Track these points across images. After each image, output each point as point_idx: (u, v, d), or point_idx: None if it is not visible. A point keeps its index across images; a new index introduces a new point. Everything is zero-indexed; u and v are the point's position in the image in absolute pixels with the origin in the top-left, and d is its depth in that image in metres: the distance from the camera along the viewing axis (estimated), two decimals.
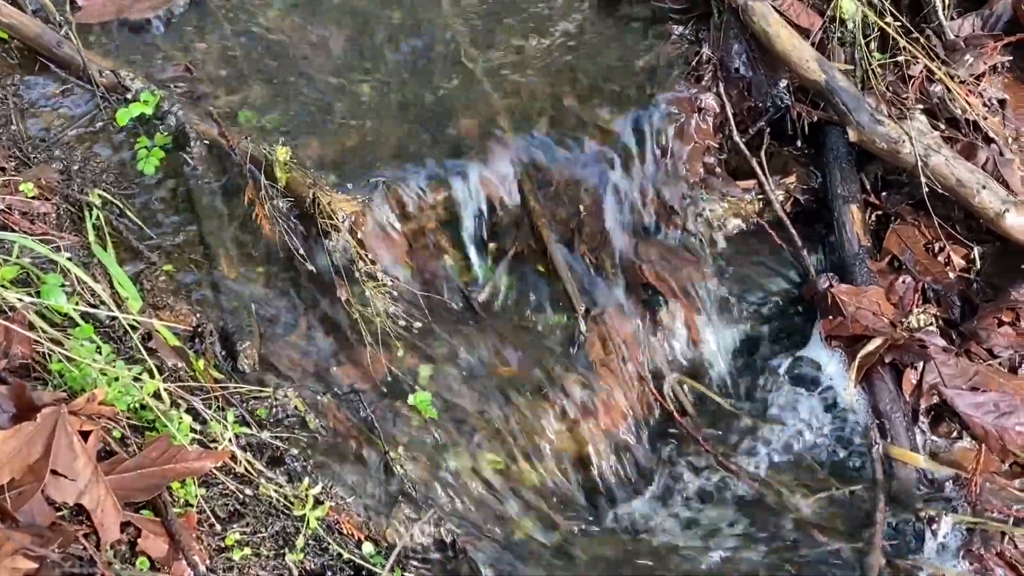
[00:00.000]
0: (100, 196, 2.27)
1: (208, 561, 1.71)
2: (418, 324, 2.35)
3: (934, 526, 2.16)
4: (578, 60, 2.72)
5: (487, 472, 2.22)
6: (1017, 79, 2.77)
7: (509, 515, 2.20)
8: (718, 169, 2.73)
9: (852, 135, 2.56)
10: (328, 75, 2.68)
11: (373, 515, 2.03)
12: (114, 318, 1.95)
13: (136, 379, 1.76)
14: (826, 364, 2.46)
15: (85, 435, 1.61)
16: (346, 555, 1.88)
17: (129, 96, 2.52)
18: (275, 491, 1.86)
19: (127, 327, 1.94)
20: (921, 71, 2.66)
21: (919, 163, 2.49)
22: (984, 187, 2.46)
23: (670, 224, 2.63)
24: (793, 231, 2.65)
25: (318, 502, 1.90)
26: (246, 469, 1.87)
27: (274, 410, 2.07)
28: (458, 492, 2.17)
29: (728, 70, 2.71)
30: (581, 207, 2.55)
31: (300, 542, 1.84)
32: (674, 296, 2.53)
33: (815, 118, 2.71)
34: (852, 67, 2.67)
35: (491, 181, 2.48)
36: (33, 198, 2.20)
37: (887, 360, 2.37)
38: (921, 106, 2.65)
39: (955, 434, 2.36)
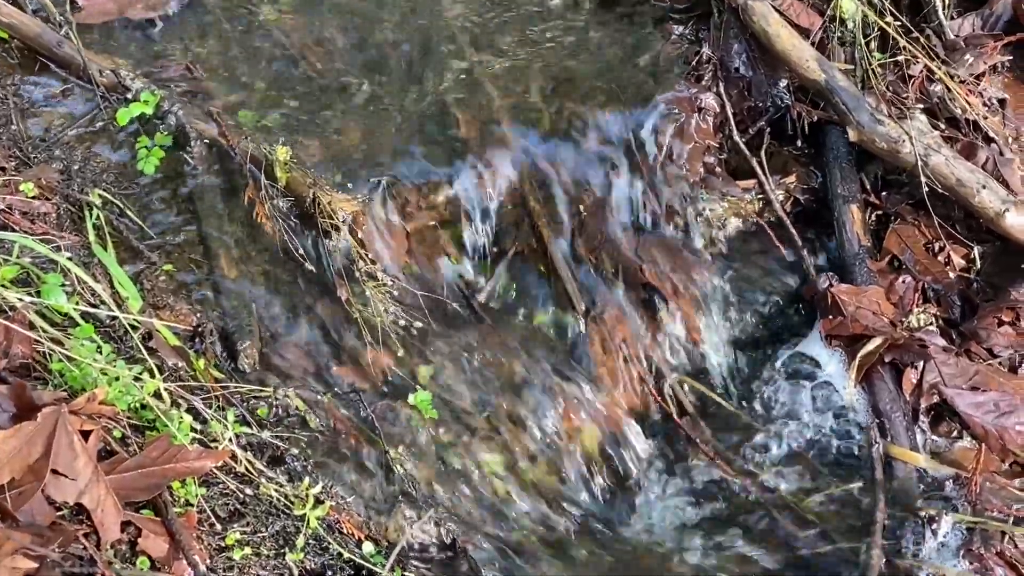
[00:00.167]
0: (100, 196, 2.27)
1: (208, 560, 1.71)
2: (418, 324, 2.35)
3: (934, 525, 2.16)
4: (578, 60, 2.73)
5: (487, 472, 2.22)
6: (1017, 79, 2.77)
7: (509, 515, 2.20)
8: (718, 169, 2.73)
9: (852, 135, 2.56)
10: (328, 74, 2.68)
11: (373, 514, 2.03)
12: (114, 318, 1.95)
13: (136, 379, 1.77)
14: (826, 363, 2.46)
15: (85, 435, 1.61)
16: (346, 554, 1.88)
17: (129, 96, 2.52)
18: (275, 490, 1.86)
19: (127, 327, 1.94)
20: (921, 71, 2.66)
21: (919, 163, 2.49)
22: (984, 187, 2.46)
23: (670, 224, 2.63)
24: (793, 231, 2.65)
25: (318, 501, 1.90)
26: (246, 469, 1.87)
27: (274, 410, 2.07)
28: (458, 492, 2.17)
29: (728, 70, 2.71)
30: (581, 207, 2.56)
31: (300, 541, 1.84)
32: (674, 296, 2.53)
33: (815, 118, 2.71)
34: (852, 67, 2.67)
35: (491, 181, 2.48)
36: (33, 198, 2.20)
37: (887, 359, 2.37)
38: (921, 106, 2.65)
39: (955, 433, 2.36)
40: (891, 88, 2.66)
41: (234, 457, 1.85)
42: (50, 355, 1.76)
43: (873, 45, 2.67)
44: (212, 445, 1.81)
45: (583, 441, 2.35)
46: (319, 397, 2.15)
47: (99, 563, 1.53)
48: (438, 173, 2.45)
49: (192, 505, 1.76)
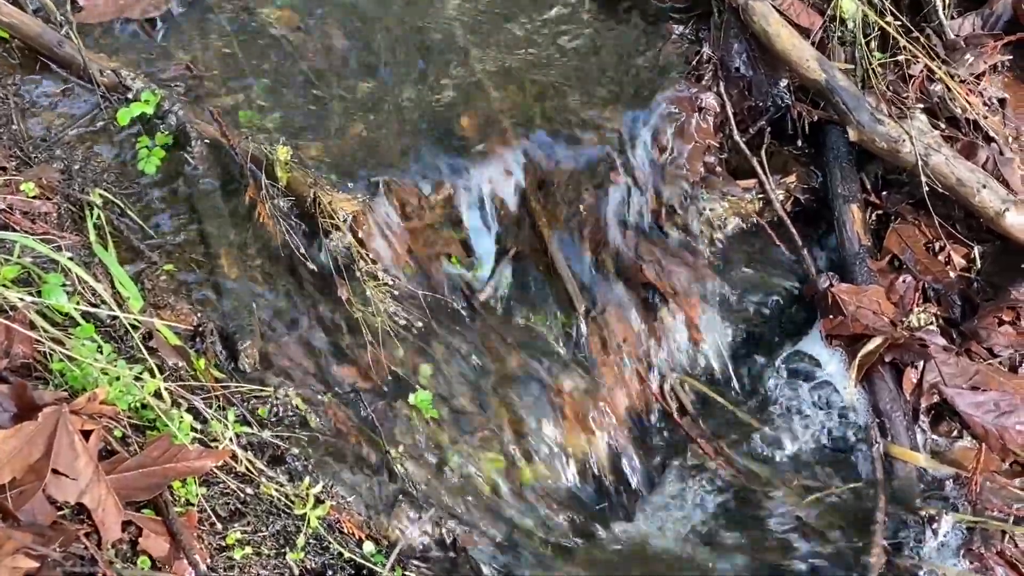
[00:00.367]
0: (101, 196, 2.27)
1: (209, 560, 1.71)
2: (419, 323, 2.35)
3: (934, 525, 2.16)
4: (579, 59, 2.73)
5: (487, 471, 2.22)
6: (1017, 78, 2.77)
7: (509, 514, 2.20)
8: (718, 168, 2.73)
9: (852, 134, 2.56)
10: (329, 74, 2.68)
11: (374, 514, 2.03)
12: (115, 317, 1.95)
13: (137, 378, 1.77)
14: (826, 363, 2.46)
15: (86, 434, 1.62)
16: (347, 554, 1.88)
17: (130, 96, 2.52)
18: (276, 490, 1.87)
19: (128, 326, 1.94)
20: (921, 70, 2.66)
21: (919, 162, 2.50)
22: (984, 186, 2.46)
23: (671, 223, 2.63)
24: (793, 230, 2.65)
25: (319, 501, 1.90)
26: (247, 468, 1.87)
27: (275, 409, 2.07)
28: (459, 491, 2.17)
29: (728, 69, 2.72)
30: (581, 207, 2.56)
31: (301, 541, 1.84)
32: (674, 296, 2.53)
33: (815, 117, 2.71)
34: (852, 66, 2.67)
35: (491, 180, 2.48)
36: (34, 197, 2.20)
37: (887, 359, 2.38)
38: (921, 105, 2.65)
39: (955, 433, 2.36)
40: (891, 88, 2.66)
41: (234, 457, 1.85)
42: (51, 355, 1.76)
43: (873, 45, 2.67)
44: (213, 445, 1.82)
45: (583, 441, 2.35)
46: (319, 397, 2.16)
47: (100, 562, 1.54)
48: (438, 173, 2.45)
49: (193, 505, 1.76)
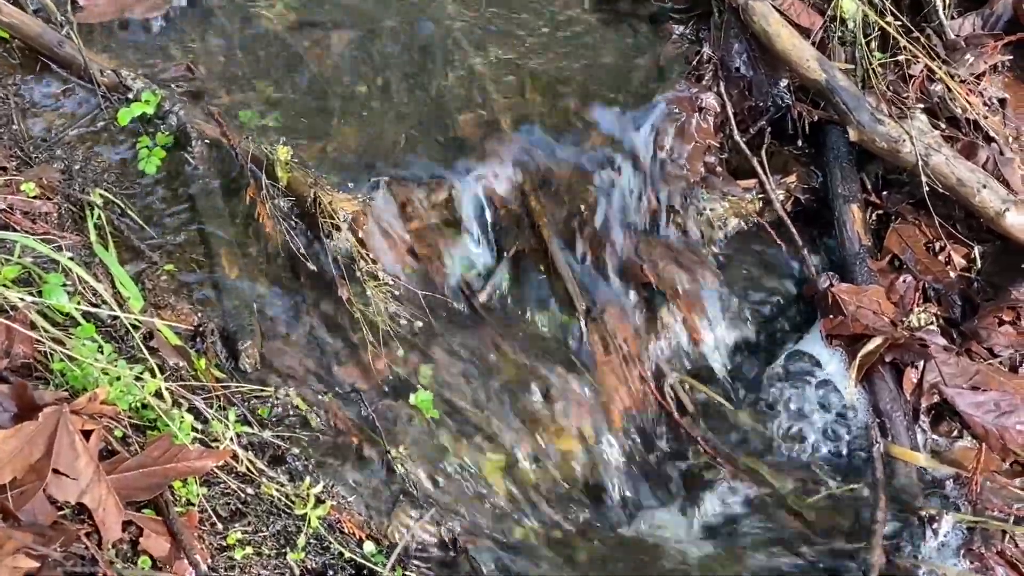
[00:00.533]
0: (101, 196, 2.28)
1: (210, 560, 1.71)
2: (419, 323, 2.35)
3: (935, 525, 2.16)
4: (579, 59, 2.73)
5: (488, 471, 2.22)
6: (1017, 78, 2.77)
7: (510, 514, 2.21)
8: (719, 168, 2.73)
9: (853, 134, 2.57)
10: (329, 74, 2.68)
11: (374, 514, 2.03)
12: (116, 317, 1.95)
13: (138, 378, 1.77)
14: (827, 363, 2.46)
15: (87, 434, 1.62)
16: (347, 554, 1.88)
17: (130, 96, 2.52)
18: (276, 490, 1.87)
19: (129, 326, 1.94)
20: (921, 70, 2.66)
21: (920, 162, 2.50)
22: (984, 186, 2.46)
23: (671, 223, 2.63)
24: (793, 230, 2.65)
25: (319, 501, 1.90)
26: (248, 468, 1.87)
27: (275, 409, 2.07)
28: (459, 491, 2.17)
29: (729, 69, 2.72)
30: (582, 206, 2.56)
31: (301, 541, 1.84)
32: (675, 295, 2.53)
33: (816, 117, 2.71)
34: (852, 66, 2.67)
35: (491, 180, 2.48)
36: (35, 197, 2.20)
37: (888, 359, 2.38)
38: (921, 105, 2.65)
39: (956, 433, 2.36)
40: (891, 88, 2.66)
41: (235, 457, 1.85)
42: (51, 355, 1.76)
43: (873, 45, 2.67)
44: (213, 445, 1.82)
45: (583, 441, 2.35)
46: (320, 397, 2.16)
47: (100, 562, 1.54)
48: (439, 172, 2.45)
49: (193, 505, 1.76)
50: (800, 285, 2.61)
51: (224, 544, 1.77)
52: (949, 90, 2.64)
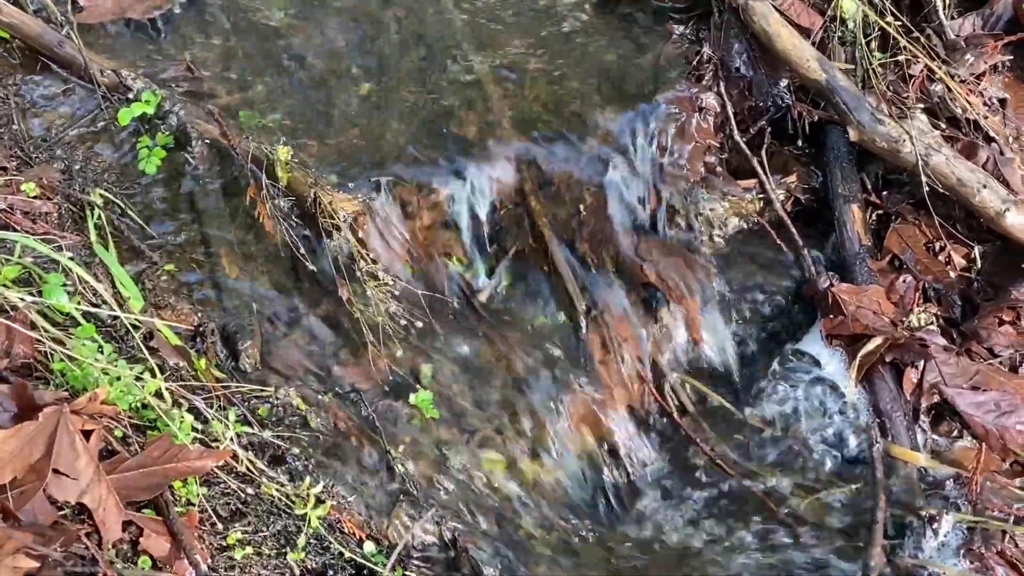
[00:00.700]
0: (102, 195, 2.28)
1: (210, 560, 1.71)
2: (419, 323, 2.35)
3: (935, 525, 2.16)
4: (579, 59, 2.73)
5: (488, 471, 2.23)
6: (1017, 78, 2.77)
7: (510, 514, 2.21)
8: (719, 168, 2.73)
9: (853, 134, 2.57)
10: (329, 74, 2.68)
11: (374, 514, 2.03)
12: (116, 317, 1.95)
13: (138, 378, 1.77)
14: (827, 363, 2.46)
15: (87, 434, 1.62)
16: (347, 554, 1.88)
17: (131, 96, 2.52)
18: (276, 490, 1.87)
19: (129, 326, 1.94)
20: (922, 70, 2.66)
21: (920, 162, 2.50)
22: (984, 186, 2.46)
23: (671, 223, 2.63)
24: (794, 230, 2.65)
25: (319, 501, 1.90)
26: (248, 468, 1.87)
27: (275, 409, 2.07)
28: (459, 491, 2.17)
29: (729, 69, 2.71)
30: (582, 206, 2.56)
31: (301, 541, 1.84)
32: (675, 295, 2.53)
33: (816, 117, 2.71)
34: (853, 66, 2.67)
35: (492, 180, 2.48)
36: (35, 197, 2.20)
37: (888, 359, 2.37)
38: (922, 105, 2.65)
39: (956, 433, 2.36)
40: (891, 88, 2.66)
41: (235, 457, 1.85)
42: (51, 355, 1.76)
43: (874, 45, 2.67)
44: (213, 445, 1.82)
45: (584, 440, 2.35)
46: (320, 397, 2.16)
47: (101, 562, 1.54)
48: (439, 173, 2.45)
49: (193, 505, 1.76)
50: (800, 285, 2.61)
51: (224, 544, 1.77)
52: (949, 90, 2.64)
